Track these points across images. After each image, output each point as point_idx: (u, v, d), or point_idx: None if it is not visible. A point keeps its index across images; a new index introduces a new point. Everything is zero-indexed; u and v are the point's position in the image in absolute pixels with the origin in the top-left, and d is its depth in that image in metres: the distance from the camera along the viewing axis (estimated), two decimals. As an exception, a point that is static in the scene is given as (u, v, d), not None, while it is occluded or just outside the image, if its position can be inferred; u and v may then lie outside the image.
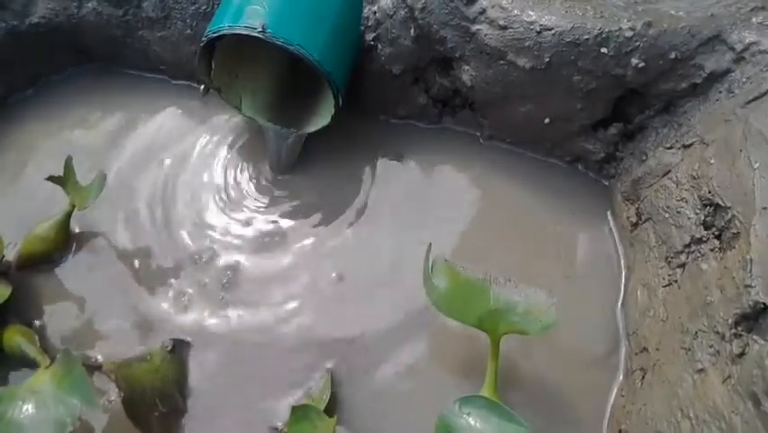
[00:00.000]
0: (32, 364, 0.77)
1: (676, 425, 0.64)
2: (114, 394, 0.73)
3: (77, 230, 0.95)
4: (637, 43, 0.82)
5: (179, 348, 0.81)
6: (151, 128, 1.09)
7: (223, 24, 0.87)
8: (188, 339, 0.83)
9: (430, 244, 0.77)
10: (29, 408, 0.69)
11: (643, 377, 0.75)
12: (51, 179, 0.89)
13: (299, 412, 0.69)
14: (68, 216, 0.92)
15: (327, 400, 0.75)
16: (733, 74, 0.80)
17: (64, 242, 0.92)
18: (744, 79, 0.79)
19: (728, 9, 0.82)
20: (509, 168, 0.99)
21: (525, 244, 0.92)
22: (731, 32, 0.80)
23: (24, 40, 1.10)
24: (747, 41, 0.79)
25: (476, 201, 0.97)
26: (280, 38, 0.85)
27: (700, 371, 0.65)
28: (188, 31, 1.07)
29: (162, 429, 0.75)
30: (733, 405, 0.59)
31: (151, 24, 1.09)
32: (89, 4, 1.09)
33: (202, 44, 0.91)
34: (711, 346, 0.65)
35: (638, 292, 0.82)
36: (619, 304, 0.86)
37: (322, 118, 0.97)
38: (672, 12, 0.83)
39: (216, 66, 0.97)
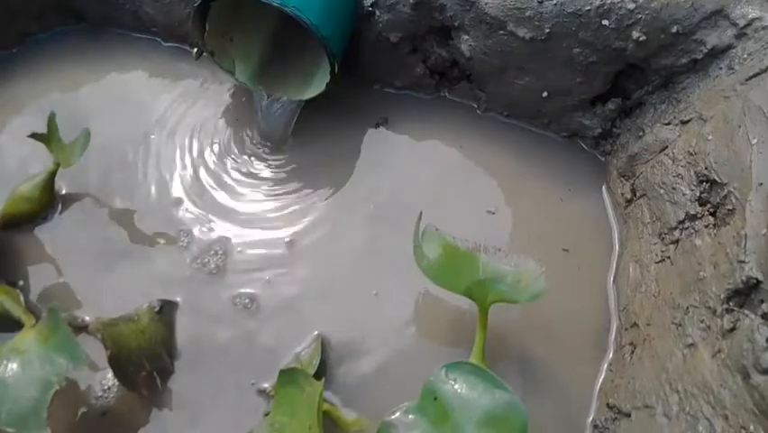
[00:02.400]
0: (17, 326, 0.75)
1: (664, 398, 0.65)
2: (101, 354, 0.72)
3: (63, 191, 0.94)
4: (639, 16, 0.81)
5: (167, 309, 0.80)
6: (141, 90, 1.06)
7: (218, -16, 0.85)
8: (177, 300, 0.83)
9: (421, 212, 0.77)
10: (14, 367, 0.68)
11: (632, 352, 0.75)
12: (34, 136, 0.87)
13: (287, 376, 0.69)
14: (53, 175, 0.90)
15: (317, 366, 0.74)
16: (734, 50, 0.79)
17: (49, 201, 0.91)
18: (745, 56, 0.78)
19: (732, -17, 0.81)
20: (506, 140, 0.98)
21: (518, 217, 0.91)
22: (734, 6, 0.79)
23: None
24: (750, 16, 0.78)
25: (471, 173, 0.96)
26: None
27: (690, 345, 0.65)
28: (182, -8, 1.05)
29: (149, 389, 0.74)
30: (722, 379, 0.59)
31: (144, -16, 1.07)
32: (80, -37, 1.06)
33: (196, 5, 0.89)
34: (702, 321, 0.65)
35: (630, 268, 0.82)
36: (611, 279, 0.86)
37: (317, 86, 0.95)
38: (676, -15, 0.82)
39: (210, 28, 0.95)
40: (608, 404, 0.73)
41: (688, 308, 0.67)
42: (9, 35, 1.11)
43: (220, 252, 0.88)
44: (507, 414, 0.65)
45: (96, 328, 0.72)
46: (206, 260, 0.87)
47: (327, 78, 0.93)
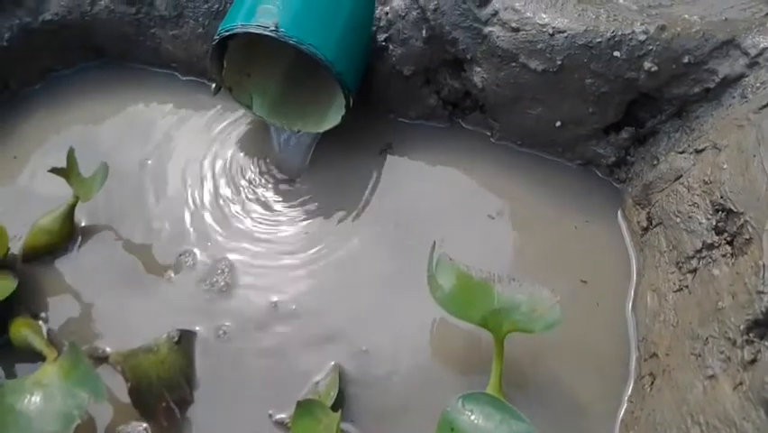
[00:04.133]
0: (39, 357, 0.77)
1: (686, 431, 0.64)
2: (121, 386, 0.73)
3: (83, 223, 0.96)
4: (650, 47, 0.82)
5: (186, 339, 0.81)
6: (160, 123, 1.09)
7: (235, 23, 0.87)
8: (195, 330, 0.83)
9: (434, 242, 0.77)
10: (36, 400, 0.69)
11: (652, 382, 0.74)
12: (54, 170, 0.89)
13: (304, 407, 0.69)
14: (72, 207, 0.92)
15: (335, 398, 0.74)
16: (746, 79, 0.80)
17: (69, 234, 0.92)
18: (758, 84, 0.78)
19: (743, 13, 0.82)
20: (520, 167, 0.99)
21: (533, 246, 0.92)
22: (745, 36, 0.80)
23: (37, 36, 1.11)
24: (762, 45, 0.78)
25: (485, 201, 0.97)
26: (293, 37, 0.85)
27: (711, 377, 0.64)
28: (200, 29, 1.07)
29: (169, 420, 0.75)
30: (744, 412, 0.58)
31: (164, 23, 1.09)
32: (102, 2, 1.09)
33: (214, 42, 0.91)
34: (722, 352, 0.64)
35: (648, 297, 0.82)
36: (629, 308, 0.85)
37: (332, 118, 0.97)
38: (686, 15, 0.83)
39: (228, 65, 0.98)
40: (628, 436, 0.73)
41: (707, 338, 0.67)
42: (32, 71, 1.15)
43: (236, 281, 0.89)
44: (525, 444, 0.64)
45: (117, 360, 0.73)
46: (223, 288, 0.88)
47: (342, 111, 0.94)
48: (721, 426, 0.60)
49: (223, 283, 0.89)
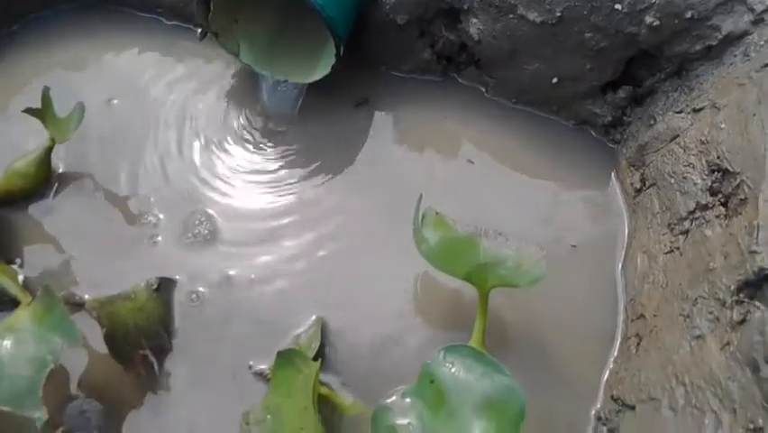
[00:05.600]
0: (14, 303, 0.75)
1: (670, 391, 0.63)
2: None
3: (60, 169, 0.93)
4: (653, 0, 0.79)
5: (165, 286, 0.79)
6: (143, 68, 1.05)
7: (222, -38, 0.84)
8: (175, 278, 0.82)
9: (421, 195, 0.75)
10: (8, 345, 0.67)
11: (638, 343, 0.74)
12: (29, 111, 0.85)
13: (284, 357, 0.68)
14: (49, 151, 0.89)
15: (317, 349, 0.73)
16: (750, 36, 0.77)
17: (45, 178, 0.90)
18: (761, 42, 0.76)
19: (750, -32, 0.79)
20: (514, 125, 0.97)
21: (524, 204, 0.90)
22: (752, -9, 0.77)
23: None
24: (768, 1, 0.76)
25: (476, 158, 0.95)
26: (282, -22, 0.82)
27: (698, 337, 0.64)
28: (188, -28, 1.03)
29: (146, 368, 0.74)
30: (730, 371, 0.58)
31: (149, -36, 1.05)
32: (85, -59, 1.05)
33: (200, -16, 0.88)
34: (711, 313, 0.63)
35: (638, 259, 0.81)
36: (619, 269, 0.84)
37: (322, 68, 0.94)
38: (692, -31, 0.80)
39: (215, 9, 0.94)
40: (612, 396, 0.72)
41: (696, 299, 0.66)
42: (11, 13, 1.10)
43: (218, 231, 0.87)
44: (506, 398, 0.63)
45: (93, 307, 0.71)
46: (202, 236, 0.86)
47: (333, 61, 0.91)
48: (706, 385, 0.59)
49: (205, 233, 0.87)
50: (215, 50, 1.02)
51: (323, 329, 0.77)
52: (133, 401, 0.74)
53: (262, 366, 0.76)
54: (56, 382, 0.68)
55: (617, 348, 0.78)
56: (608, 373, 0.77)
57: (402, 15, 0.94)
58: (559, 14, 0.83)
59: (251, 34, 1.00)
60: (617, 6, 0.80)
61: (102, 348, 0.72)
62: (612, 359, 0.78)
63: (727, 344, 0.60)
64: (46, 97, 0.87)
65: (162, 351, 0.76)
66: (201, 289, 0.82)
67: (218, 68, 1.06)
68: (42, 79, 1.02)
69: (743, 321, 0.59)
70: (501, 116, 0.98)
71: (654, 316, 0.73)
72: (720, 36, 0.79)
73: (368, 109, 1.00)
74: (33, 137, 0.90)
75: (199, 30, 0.98)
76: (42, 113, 0.86)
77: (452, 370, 0.65)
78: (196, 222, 0.88)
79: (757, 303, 0.58)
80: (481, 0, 0.88)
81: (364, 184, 0.93)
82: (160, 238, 0.86)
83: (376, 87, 1.02)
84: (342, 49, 0.89)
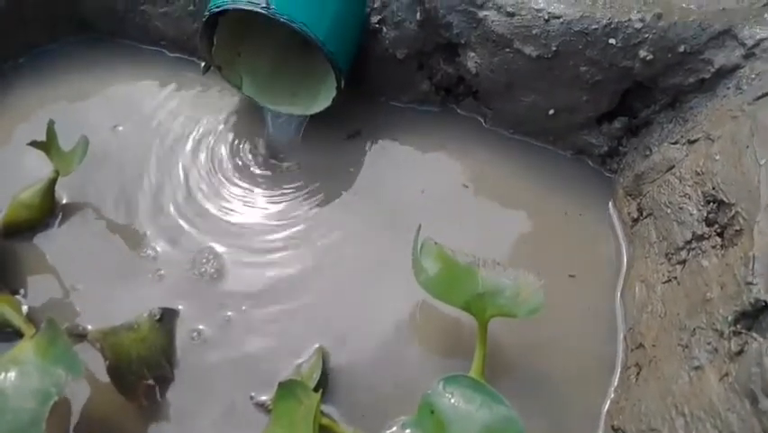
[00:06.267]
0: (18, 334, 0.75)
1: (670, 422, 0.63)
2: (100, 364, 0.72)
3: (64, 200, 0.94)
4: (646, 35, 0.81)
5: (168, 317, 0.80)
6: (146, 98, 1.07)
7: (226, -1, 0.86)
8: (177, 308, 0.82)
9: (420, 225, 0.76)
10: (13, 377, 0.67)
11: (638, 373, 0.74)
12: (34, 144, 0.87)
13: (286, 388, 0.68)
14: (53, 182, 0.90)
15: (318, 379, 0.73)
16: (742, 70, 0.79)
17: (49, 209, 0.91)
18: (753, 76, 0.78)
19: (740, 4, 0.81)
20: (512, 154, 0.98)
21: (522, 233, 0.91)
22: (742, 27, 0.79)
23: (26, 9, 1.09)
24: (759, 36, 0.78)
25: (475, 187, 0.96)
26: (284, 15, 0.84)
27: (697, 368, 0.64)
28: (191, 7, 1.06)
29: (149, 399, 0.74)
30: (729, 403, 0.58)
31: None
32: (91, -24, 1.08)
33: (204, 19, 0.89)
34: (709, 343, 0.64)
35: (636, 288, 0.81)
36: (618, 298, 0.85)
37: (323, 100, 0.96)
38: (683, 4, 0.82)
39: (218, 43, 0.96)
40: (613, 426, 0.72)
41: (695, 329, 0.66)
42: (18, 45, 1.12)
43: (219, 260, 0.88)
44: (505, 428, 0.64)
45: (96, 338, 0.71)
46: (204, 269, 0.87)
47: (333, 93, 0.93)
48: (706, 417, 0.59)
49: (207, 264, 0.87)
50: (218, 81, 1.03)
51: (324, 359, 0.78)
52: (136, 432, 0.74)
53: (263, 397, 0.76)
54: (58, 413, 0.68)
55: (617, 378, 0.78)
56: (608, 402, 0.77)
57: (401, 50, 0.96)
58: (555, 49, 0.85)
59: (253, 67, 1.01)
60: (612, 41, 0.82)
61: (104, 379, 0.72)
62: (612, 389, 0.78)
63: (726, 375, 0.60)
64: (51, 131, 0.88)
65: (164, 381, 0.76)
66: (203, 319, 0.82)
67: (220, 98, 1.08)
68: (47, 111, 1.04)
69: (740, 352, 0.60)
70: (499, 146, 1.00)
71: (653, 345, 0.73)
72: (713, 69, 0.81)
73: (364, 140, 1.01)
74: (38, 168, 0.91)
75: (203, 63, 1.00)
76: (47, 146, 0.88)
77: (452, 400, 0.65)
78: (202, 258, 0.88)
79: (754, 334, 0.59)
80: (479, 35, 0.90)
81: (364, 213, 0.93)
82: (162, 271, 0.87)
83: (375, 118, 1.04)
84: (342, 82, 0.91)
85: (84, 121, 1.03)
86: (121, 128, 1.03)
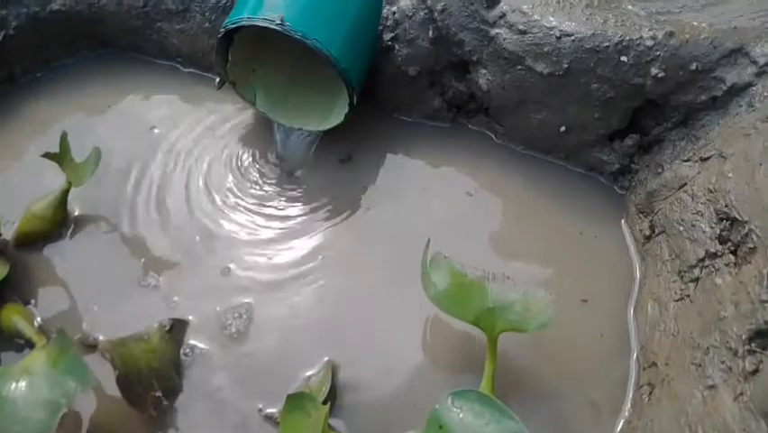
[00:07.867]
0: (29, 344, 0.76)
1: (684, 442, 0.62)
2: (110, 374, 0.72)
3: (76, 212, 0.95)
4: (658, 53, 0.81)
5: (178, 328, 0.80)
6: (160, 113, 1.08)
7: (242, 16, 0.87)
8: (187, 319, 0.82)
9: (429, 239, 0.76)
10: (23, 387, 0.67)
11: (651, 392, 0.73)
12: (47, 155, 0.88)
13: (294, 400, 0.67)
14: (65, 193, 0.91)
15: (327, 393, 0.73)
16: (754, 88, 0.79)
17: (62, 220, 0.91)
18: (765, 93, 0.78)
19: (752, 22, 0.81)
20: (524, 171, 0.98)
21: (535, 250, 0.90)
22: (754, 45, 0.79)
23: (44, 26, 1.11)
24: (771, 54, 0.78)
25: (486, 203, 0.96)
26: (298, 32, 0.85)
27: (711, 387, 0.63)
28: (207, 24, 1.07)
29: (158, 410, 0.74)
30: (744, 423, 0.57)
31: (170, 16, 1.09)
32: (110, -6, 1.10)
33: (219, 36, 0.91)
34: (723, 363, 0.63)
35: (649, 306, 0.81)
36: (630, 316, 0.84)
37: (336, 117, 0.97)
38: (695, 23, 0.82)
39: (233, 59, 0.97)
40: (625, 446, 0.71)
41: (708, 348, 0.66)
42: (36, 60, 1.14)
43: (232, 273, 0.88)
44: (514, 443, 0.63)
45: (106, 348, 0.72)
46: (217, 282, 0.87)
47: (346, 110, 0.94)
48: (720, 437, 0.59)
49: (218, 280, 0.88)
50: (231, 97, 1.04)
51: (333, 372, 0.77)
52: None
53: (272, 409, 0.76)
54: (68, 424, 0.69)
55: (630, 396, 0.77)
56: (621, 422, 0.76)
57: (413, 67, 0.97)
58: (566, 66, 0.85)
59: (267, 84, 1.03)
60: (623, 59, 0.82)
61: (114, 390, 0.73)
62: (626, 408, 0.77)
63: (741, 394, 0.59)
64: (64, 142, 0.89)
65: (174, 392, 0.76)
66: (213, 330, 0.82)
67: (234, 113, 1.09)
68: (62, 124, 1.05)
69: (755, 371, 0.59)
70: (511, 162, 1.00)
71: (666, 364, 0.72)
72: (725, 87, 0.81)
73: (374, 156, 1.02)
74: (52, 179, 0.93)
75: (218, 79, 1.01)
76: (60, 157, 0.89)
77: (461, 415, 0.65)
78: (212, 264, 0.89)
79: (769, 353, 0.58)
80: (491, 52, 0.90)
81: (375, 227, 0.94)
82: (173, 281, 0.87)
83: (387, 134, 1.04)
84: (355, 98, 0.92)
85: (97, 134, 1.04)
86: (133, 142, 1.04)
